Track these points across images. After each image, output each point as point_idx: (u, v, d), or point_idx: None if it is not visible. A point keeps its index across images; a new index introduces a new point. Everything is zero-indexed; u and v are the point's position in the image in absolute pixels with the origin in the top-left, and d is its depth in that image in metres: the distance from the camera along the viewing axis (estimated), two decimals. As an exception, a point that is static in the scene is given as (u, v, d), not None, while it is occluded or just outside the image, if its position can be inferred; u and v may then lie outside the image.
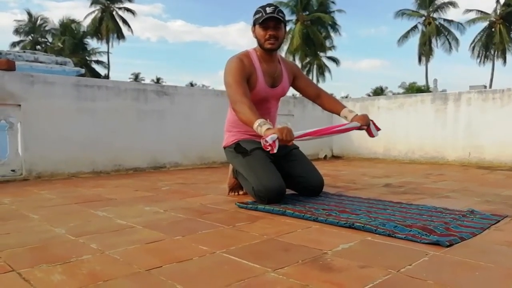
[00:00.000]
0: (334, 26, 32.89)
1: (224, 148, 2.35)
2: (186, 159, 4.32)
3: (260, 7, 2.13)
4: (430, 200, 2.13)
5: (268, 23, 2.10)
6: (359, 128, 2.17)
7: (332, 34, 33.35)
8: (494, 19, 29.83)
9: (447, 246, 1.26)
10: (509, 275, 1.03)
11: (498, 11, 29.85)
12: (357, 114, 2.23)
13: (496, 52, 29.95)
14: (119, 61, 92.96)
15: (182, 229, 1.53)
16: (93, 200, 2.22)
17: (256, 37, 2.17)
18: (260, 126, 1.88)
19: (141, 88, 4.08)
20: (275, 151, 1.79)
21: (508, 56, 29.86)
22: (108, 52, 34.69)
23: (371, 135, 2.22)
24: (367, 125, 2.18)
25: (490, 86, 27.72)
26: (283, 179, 2.05)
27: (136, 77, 56.66)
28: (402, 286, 0.96)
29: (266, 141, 1.78)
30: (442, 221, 1.58)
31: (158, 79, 57.66)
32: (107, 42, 34.09)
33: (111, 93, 3.80)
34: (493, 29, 29.83)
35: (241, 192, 2.35)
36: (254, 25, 2.16)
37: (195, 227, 1.57)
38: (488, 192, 2.38)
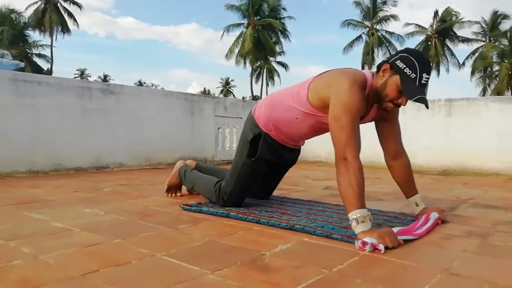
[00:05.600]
0: (284, 32, 33.57)
1: (252, 116, 1.97)
2: (131, 160, 4.22)
3: (419, 62, 1.53)
4: (365, 202, 2.25)
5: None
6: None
7: (282, 39, 34.03)
8: (431, 34, 31.97)
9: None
10: (429, 272, 1.12)
11: (434, 26, 32.05)
12: (425, 207, 1.85)
13: (431, 64, 32.06)
14: (64, 55, 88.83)
15: (123, 232, 1.51)
16: (29, 202, 2.11)
17: (384, 83, 1.58)
18: (356, 220, 1.40)
19: (85, 86, 3.94)
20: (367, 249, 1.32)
21: (441, 68, 32.16)
22: (51, 46, 32.84)
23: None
24: (442, 220, 1.77)
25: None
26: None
27: (82, 73, 54.14)
28: (333, 285, 1.02)
29: (364, 244, 1.32)
30: (376, 223, 1.68)
31: (105, 76, 55.58)
32: (51, 35, 32.26)
33: (52, 89, 3.63)
34: (429, 43, 31.95)
35: (178, 194, 2.36)
36: (394, 69, 1.56)
37: (136, 229, 1.55)
38: (419, 196, 2.55)
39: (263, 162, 1.94)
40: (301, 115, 1.78)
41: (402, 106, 1.61)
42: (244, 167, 1.93)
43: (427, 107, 1.57)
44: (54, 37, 32.43)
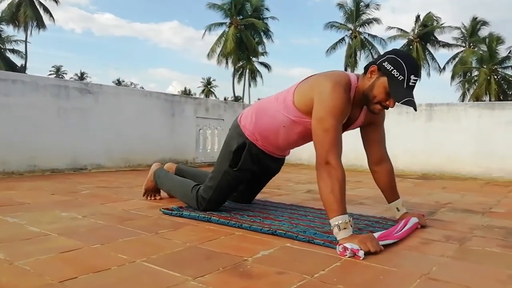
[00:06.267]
0: (267, 32, 33.62)
1: (238, 125, 1.92)
2: (109, 161, 4.15)
3: (406, 64, 1.50)
4: (347, 206, 2.26)
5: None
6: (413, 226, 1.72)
7: (265, 40, 34.07)
8: (412, 38, 32.60)
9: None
10: (408, 278, 1.14)
11: (416, 31, 32.69)
12: (406, 211, 1.85)
13: (419, 66, 32.69)
14: (39, 51, 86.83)
15: (101, 237, 1.48)
16: (2, 205, 2.05)
17: (371, 84, 1.56)
18: (338, 227, 1.39)
19: (62, 85, 3.85)
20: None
21: (423, 72, 32.80)
22: (26, 41, 31.96)
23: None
24: (421, 225, 1.79)
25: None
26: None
27: (58, 70, 52.93)
28: (315, 291, 1.02)
29: (345, 250, 1.31)
30: (357, 227, 1.70)
31: (82, 74, 54.49)
32: (25, 30, 31.37)
33: (28, 88, 3.53)
34: (411, 47, 32.57)
35: (158, 197, 2.34)
36: (381, 71, 1.53)
37: (115, 234, 1.52)
38: (398, 199, 2.59)
39: (246, 172, 1.92)
40: (288, 122, 1.74)
41: (390, 108, 1.59)
42: (225, 176, 1.90)
43: (415, 109, 1.54)
44: (28, 32, 31.55)
